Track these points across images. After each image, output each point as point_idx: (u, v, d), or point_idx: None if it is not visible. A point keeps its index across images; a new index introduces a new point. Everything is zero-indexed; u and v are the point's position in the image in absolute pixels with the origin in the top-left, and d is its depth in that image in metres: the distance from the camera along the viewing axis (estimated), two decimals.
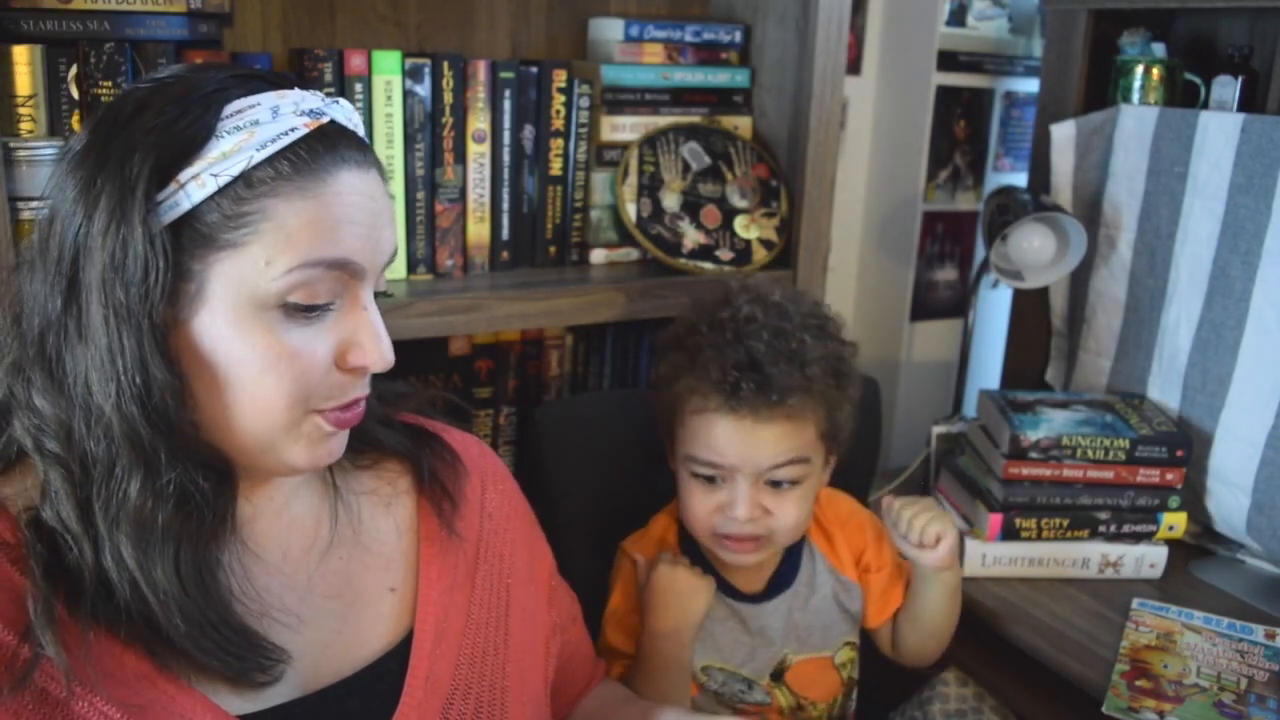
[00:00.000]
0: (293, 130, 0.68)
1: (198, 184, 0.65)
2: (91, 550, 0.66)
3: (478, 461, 0.94)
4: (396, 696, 0.78)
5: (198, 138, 0.66)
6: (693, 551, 1.18)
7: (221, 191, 0.66)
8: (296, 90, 0.71)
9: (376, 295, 0.75)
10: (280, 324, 0.68)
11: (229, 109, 0.67)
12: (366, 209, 0.71)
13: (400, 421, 0.88)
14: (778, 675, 1.17)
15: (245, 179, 0.66)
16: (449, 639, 0.83)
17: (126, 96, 0.69)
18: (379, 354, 0.72)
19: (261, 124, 0.67)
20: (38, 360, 0.67)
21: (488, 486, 0.93)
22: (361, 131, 0.75)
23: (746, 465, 1.07)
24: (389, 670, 0.79)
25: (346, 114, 0.73)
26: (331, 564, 0.81)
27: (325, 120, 0.70)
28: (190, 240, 0.66)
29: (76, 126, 1.11)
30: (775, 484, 1.08)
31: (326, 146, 0.69)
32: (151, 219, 0.65)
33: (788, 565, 1.19)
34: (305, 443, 0.72)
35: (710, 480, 1.09)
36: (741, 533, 1.09)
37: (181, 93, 0.67)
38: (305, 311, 0.69)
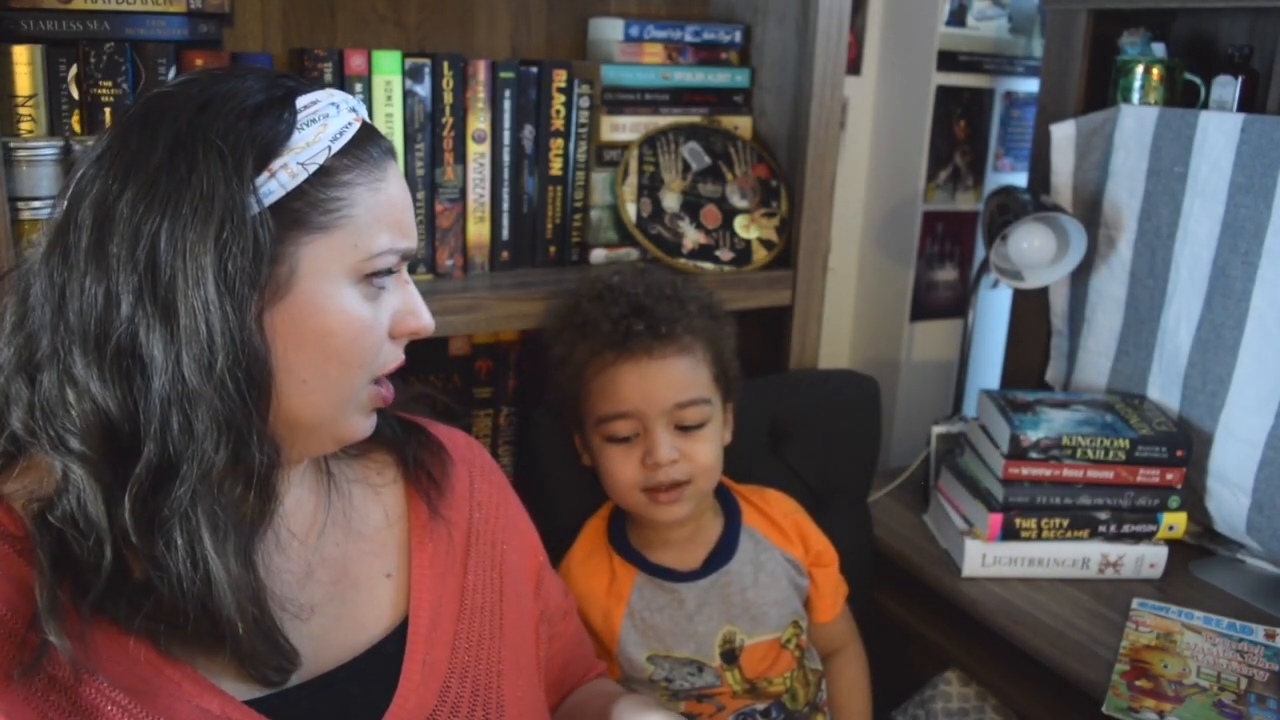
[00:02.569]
0: (351, 125, 0.75)
1: (287, 172, 0.70)
2: (111, 545, 0.67)
3: (465, 453, 0.97)
4: (395, 679, 0.80)
5: (285, 129, 0.71)
6: (622, 544, 1.21)
7: (309, 179, 0.71)
8: (330, 87, 0.77)
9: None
10: (358, 300, 0.74)
11: (301, 102, 0.73)
12: (409, 199, 0.80)
13: (389, 414, 0.91)
14: (730, 657, 1.17)
15: (327, 168, 0.72)
16: (444, 623, 0.85)
17: (170, 98, 0.71)
18: (428, 319, 0.80)
19: (330, 117, 0.73)
20: (91, 358, 0.67)
21: (476, 477, 0.96)
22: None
23: (654, 406, 1.13)
24: (387, 654, 0.81)
25: (365, 111, 0.79)
26: (327, 549, 0.83)
27: (362, 116, 0.77)
28: (282, 224, 0.70)
29: (76, 126, 1.11)
30: (684, 429, 1.15)
31: (373, 140, 0.77)
32: (254, 202, 0.68)
33: (724, 543, 1.22)
34: (362, 413, 0.79)
35: (625, 440, 1.15)
36: (667, 479, 1.13)
37: (253, 88, 0.72)
38: (375, 289, 0.76)
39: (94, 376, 0.67)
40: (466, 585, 0.89)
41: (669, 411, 1.14)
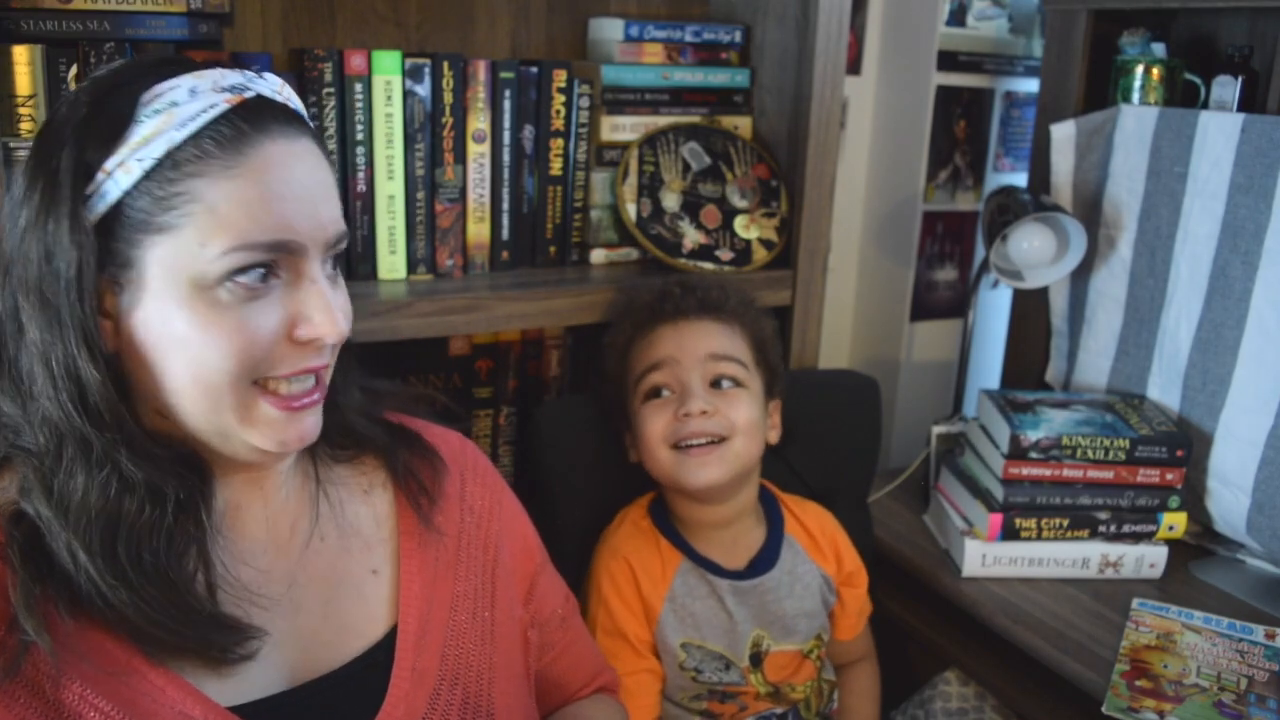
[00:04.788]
0: (212, 107, 0.68)
1: (124, 170, 0.66)
2: (65, 542, 0.67)
3: (458, 456, 0.94)
4: (384, 689, 0.79)
5: (117, 126, 0.67)
6: (668, 529, 1.20)
7: (148, 176, 0.66)
8: (218, 69, 0.71)
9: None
10: (224, 301, 0.68)
11: (147, 95, 0.68)
12: (299, 183, 0.70)
13: (381, 418, 0.89)
14: (756, 660, 1.18)
15: (170, 160, 0.66)
16: (434, 631, 0.84)
17: (62, 100, 0.70)
18: (329, 325, 0.71)
19: (179, 104, 0.68)
20: (7, 372, 0.70)
21: (468, 481, 0.93)
22: (295, 104, 0.74)
23: (686, 355, 1.16)
24: (375, 663, 0.80)
25: (273, 87, 0.73)
26: (315, 551, 0.81)
27: (249, 95, 0.70)
28: (124, 228, 0.67)
29: None
30: (718, 386, 1.15)
31: (251, 121, 0.69)
32: (82, 212, 0.66)
33: (767, 550, 1.22)
34: (265, 426, 0.72)
35: (659, 395, 1.16)
36: (700, 431, 1.13)
37: (100, 86, 0.69)
38: (248, 288, 0.68)
39: (3, 382, 0.70)
40: (457, 591, 0.87)
41: (703, 362, 1.15)
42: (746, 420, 1.14)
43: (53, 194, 0.66)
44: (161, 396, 0.70)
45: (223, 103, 0.68)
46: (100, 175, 0.66)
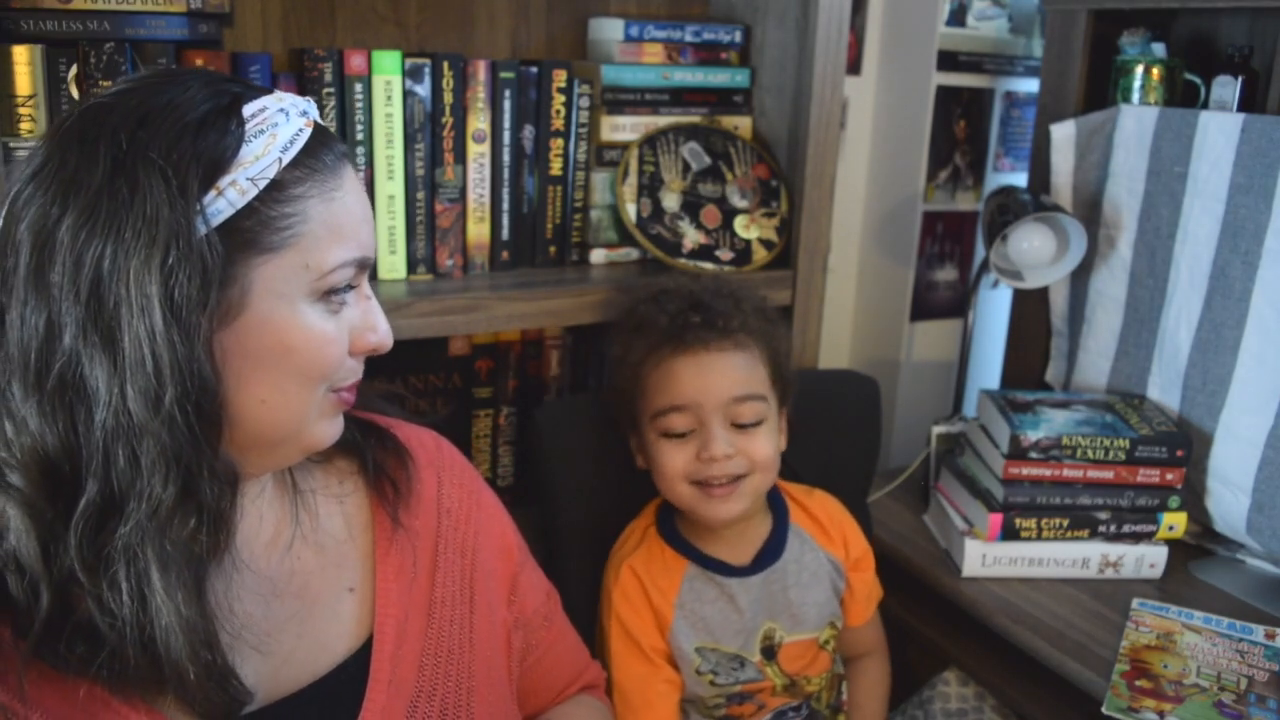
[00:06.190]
0: (301, 130, 0.70)
1: (237, 190, 0.66)
2: (49, 587, 0.64)
3: (433, 456, 0.93)
4: (358, 703, 0.77)
5: (232, 143, 0.67)
6: (672, 535, 1.20)
7: (259, 195, 0.67)
8: (277, 90, 0.73)
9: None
10: (318, 317, 0.71)
11: (248, 111, 0.69)
12: (365, 202, 0.75)
13: (349, 415, 0.85)
14: (769, 653, 1.18)
15: (278, 182, 0.68)
16: (411, 640, 0.82)
17: (108, 111, 0.66)
18: (387, 334, 0.77)
19: (279, 125, 0.69)
20: (31, 391, 0.64)
21: (444, 482, 0.92)
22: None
23: (709, 399, 1.12)
24: (350, 675, 0.78)
25: (316, 113, 0.75)
26: (290, 564, 0.80)
27: (313, 119, 0.73)
28: (232, 246, 0.66)
29: None
30: (740, 426, 1.13)
31: (325, 144, 0.72)
32: (201, 224, 0.65)
33: (774, 541, 1.21)
34: (325, 419, 0.75)
35: (681, 436, 1.13)
36: (722, 473, 1.11)
37: (195, 98, 0.67)
38: (337, 304, 0.72)
39: (33, 411, 0.64)
40: (434, 598, 0.85)
41: (725, 406, 1.12)
42: (766, 456, 1.14)
43: (177, 208, 0.63)
44: (245, 406, 0.69)
45: (305, 125, 0.71)
46: (212, 192, 0.66)
